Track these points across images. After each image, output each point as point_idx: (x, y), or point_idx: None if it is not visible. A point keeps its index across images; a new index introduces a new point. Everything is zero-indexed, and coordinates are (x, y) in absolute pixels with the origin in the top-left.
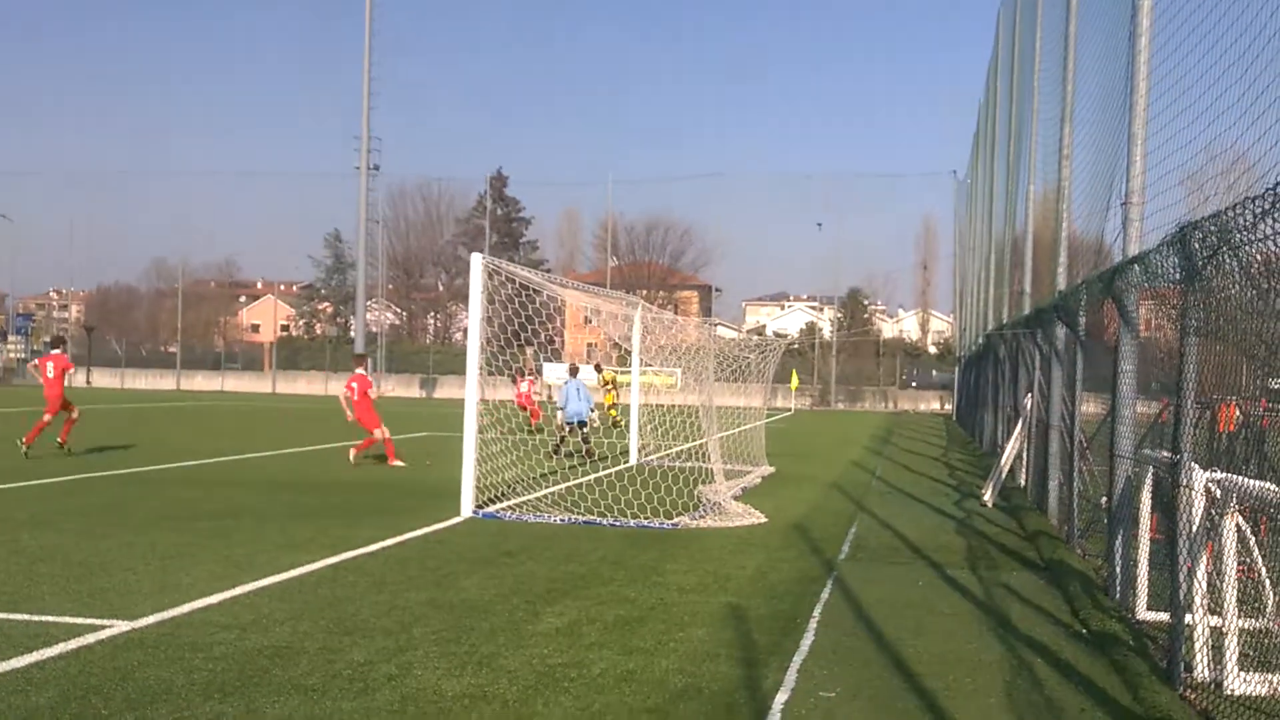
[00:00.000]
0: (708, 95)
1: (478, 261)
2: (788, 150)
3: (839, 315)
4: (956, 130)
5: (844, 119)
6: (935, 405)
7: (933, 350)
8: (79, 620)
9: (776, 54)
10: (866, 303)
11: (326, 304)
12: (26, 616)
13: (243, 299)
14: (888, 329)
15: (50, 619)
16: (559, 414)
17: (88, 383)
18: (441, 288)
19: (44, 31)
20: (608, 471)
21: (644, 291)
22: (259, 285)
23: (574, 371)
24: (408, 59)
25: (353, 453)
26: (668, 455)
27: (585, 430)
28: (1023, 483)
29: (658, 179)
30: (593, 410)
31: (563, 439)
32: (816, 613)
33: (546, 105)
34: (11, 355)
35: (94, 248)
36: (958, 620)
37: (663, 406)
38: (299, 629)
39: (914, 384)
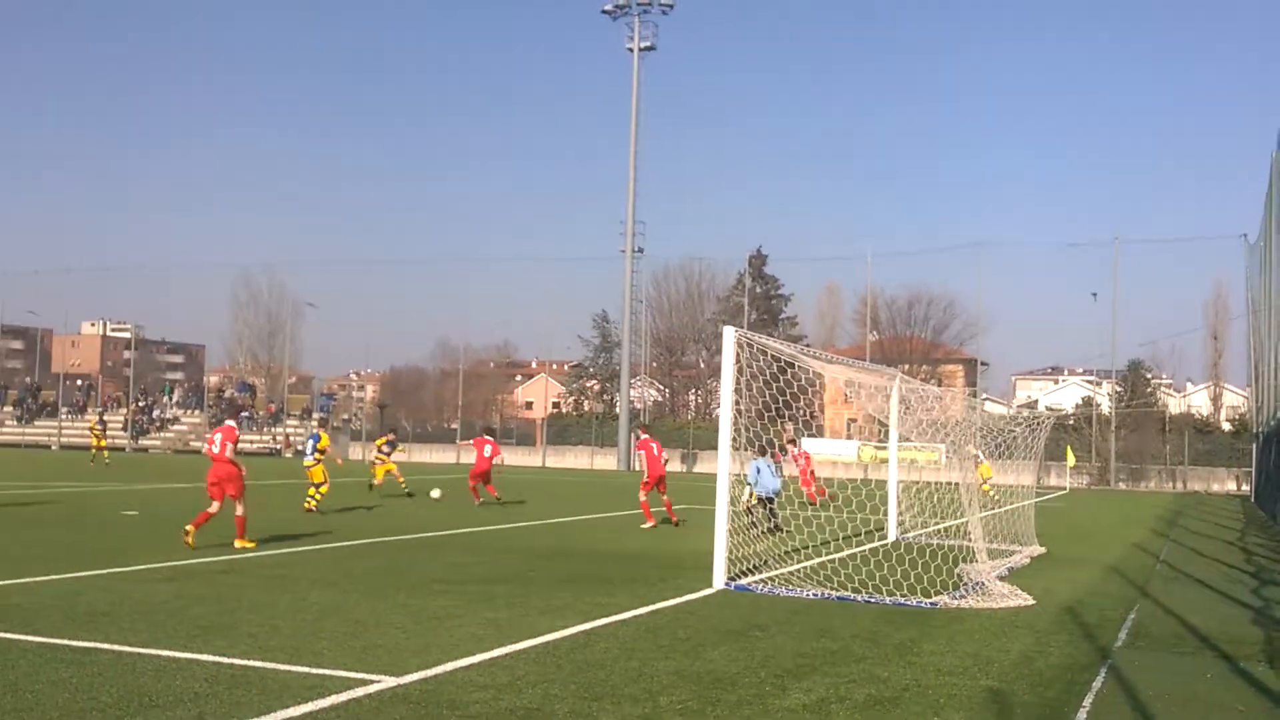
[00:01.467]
0: (969, 162)
1: (730, 335)
2: (1055, 216)
3: (1118, 389)
4: (1243, 190)
5: (1116, 181)
6: (1230, 485)
7: (1227, 426)
8: (352, 674)
9: (1034, 117)
10: (1149, 375)
11: (594, 381)
12: (306, 669)
13: (518, 378)
14: (1175, 404)
15: (327, 672)
16: (747, 489)
17: None
18: (702, 365)
19: (343, 129)
20: (864, 547)
21: (906, 366)
22: (533, 365)
23: (763, 451)
24: (669, 140)
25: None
26: (927, 532)
27: (772, 505)
28: None
29: (919, 250)
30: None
31: (756, 512)
32: (1087, 703)
33: (805, 181)
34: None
35: (389, 331)
36: (1252, 719)
37: (923, 483)
38: (550, 691)
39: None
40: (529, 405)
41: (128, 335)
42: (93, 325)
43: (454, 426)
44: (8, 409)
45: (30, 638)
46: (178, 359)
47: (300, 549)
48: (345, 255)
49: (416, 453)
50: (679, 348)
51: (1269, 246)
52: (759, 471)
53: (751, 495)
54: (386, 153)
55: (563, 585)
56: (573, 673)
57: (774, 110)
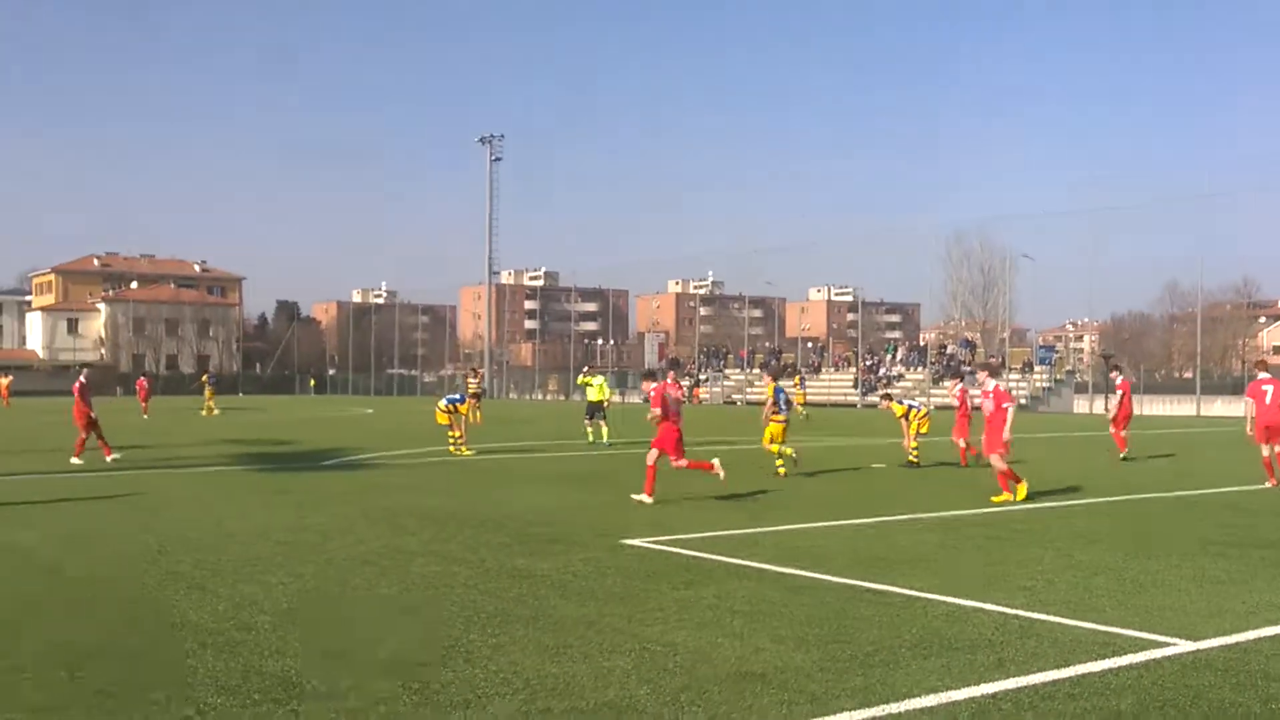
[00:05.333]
0: None
1: None
2: None
3: None
4: None
5: None
6: None
7: None
8: (1141, 634)
9: None
10: None
11: None
12: (1091, 625)
13: (1262, 319)
14: None
15: (1113, 630)
16: None
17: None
18: None
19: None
20: None
21: None
22: None
23: None
24: None
25: None
26: None
27: None
28: None
29: None
30: None
31: None
32: None
33: None
34: (1038, 384)
35: (1111, 279)
36: None
37: None
38: None
39: None
40: (1278, 349)
41: (850, 299)
42: (818, 291)
43: (1188, 376)
44: (755, 371)
45: (830, 578)
46: (895, 318)
47: (1040, 505)
48: (1059, 208)
49: (1147, 404)
50: None
51: None
52: None
53: None
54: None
55: None
56: None
57: None
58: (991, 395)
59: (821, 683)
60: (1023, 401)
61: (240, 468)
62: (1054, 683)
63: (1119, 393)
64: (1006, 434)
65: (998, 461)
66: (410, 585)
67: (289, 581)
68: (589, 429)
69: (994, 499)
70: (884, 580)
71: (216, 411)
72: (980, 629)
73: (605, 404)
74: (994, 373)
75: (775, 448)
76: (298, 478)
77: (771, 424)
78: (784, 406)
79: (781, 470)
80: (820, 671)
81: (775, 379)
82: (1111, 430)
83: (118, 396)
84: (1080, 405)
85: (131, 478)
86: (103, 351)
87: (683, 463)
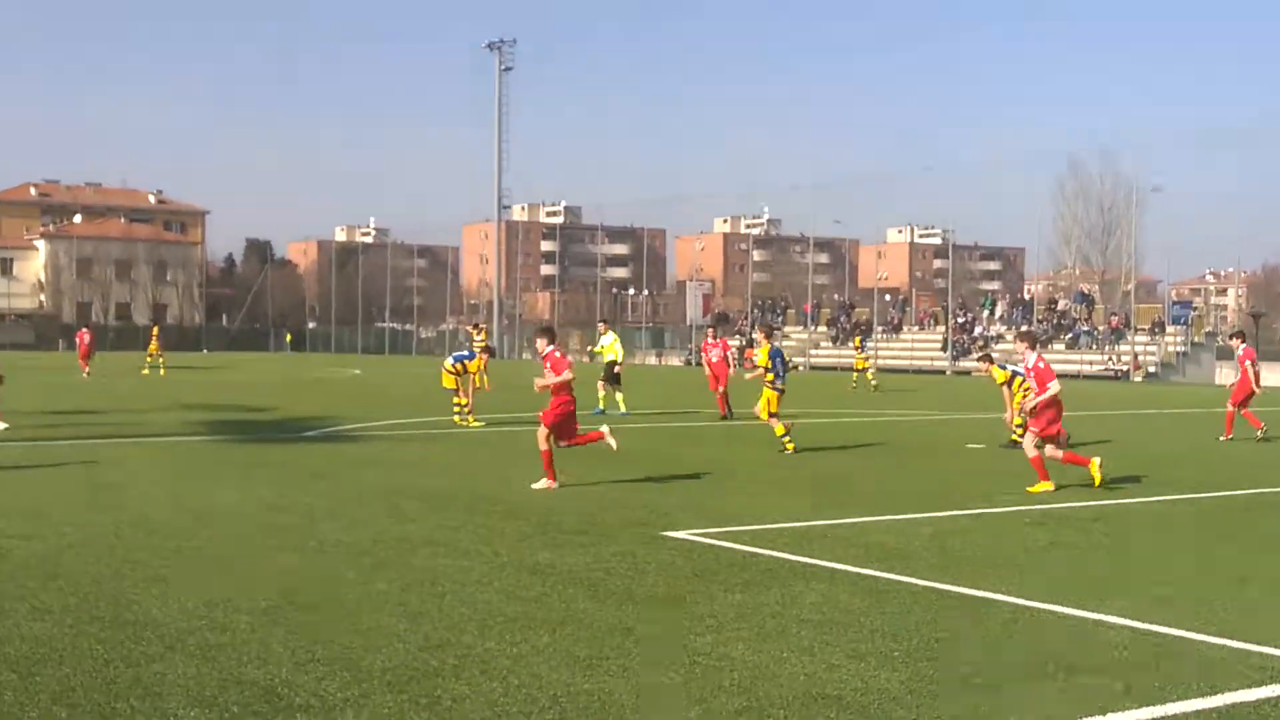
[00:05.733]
0: None
1: None
2: None
3: None
4: None
5: None
6: None
7: None
8: None
9: None
10: None
11: None
12: (1242, 645)
13: None
14: None
15: (1269, 650)
16: None
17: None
18: None
19: None
20: None
21: None
22: None
23: None
24: None
25: None
26: None
27: None
28: None
29: None
30: None
31: None
32: None
33: None
34: (1170, 349)
35: (1263, 218)
36: None
37: None
38: None
39: None
40: None
41: (938, 241)
42: (899, 232)
43: None
44: (822, 329)
45: (917, 581)
46: (993, 266)
47: (1168, 497)
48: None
49: None
50: None
51: None
52: None
53: None
54: None
55: None
56: None
57: None
58: (1032, 372)
59: (910, 708)
60: (1152, 369)
61: (208, 438)
62: (1198, 713)
63: (1245, 365)
64: (1028, 404)
65: (1029, 445)
66: (413, 581)
67: (270, 574)
68: (610, 394)
69: (1030, 489)
70: (983, 585)
71: (158, 364)
72: (1103, 647)
73: (617, 366)
74: (1034, 344)
75: (780, 427)
76: (276, 450)
77: (766, 391)
78: (781, 373)
79: (790, 445)
80: (909, 695)
81: (769, 337)
82: (1231, 408)
83: (60, 351)
84: (1224, 375)
85: (78, 448)
86: (42, 298)
87: (571, 443)
